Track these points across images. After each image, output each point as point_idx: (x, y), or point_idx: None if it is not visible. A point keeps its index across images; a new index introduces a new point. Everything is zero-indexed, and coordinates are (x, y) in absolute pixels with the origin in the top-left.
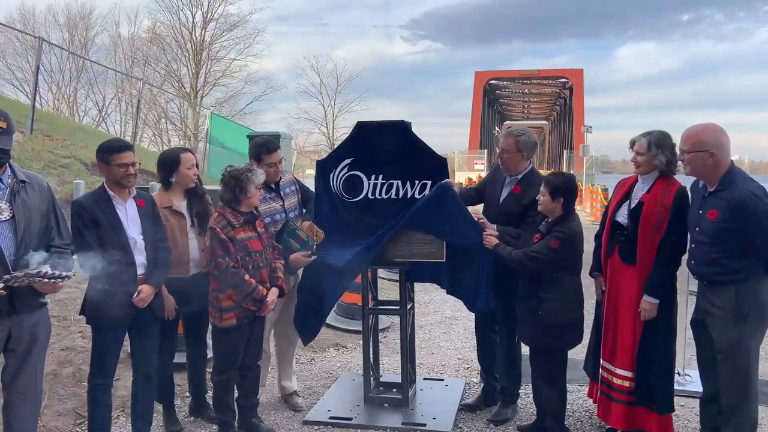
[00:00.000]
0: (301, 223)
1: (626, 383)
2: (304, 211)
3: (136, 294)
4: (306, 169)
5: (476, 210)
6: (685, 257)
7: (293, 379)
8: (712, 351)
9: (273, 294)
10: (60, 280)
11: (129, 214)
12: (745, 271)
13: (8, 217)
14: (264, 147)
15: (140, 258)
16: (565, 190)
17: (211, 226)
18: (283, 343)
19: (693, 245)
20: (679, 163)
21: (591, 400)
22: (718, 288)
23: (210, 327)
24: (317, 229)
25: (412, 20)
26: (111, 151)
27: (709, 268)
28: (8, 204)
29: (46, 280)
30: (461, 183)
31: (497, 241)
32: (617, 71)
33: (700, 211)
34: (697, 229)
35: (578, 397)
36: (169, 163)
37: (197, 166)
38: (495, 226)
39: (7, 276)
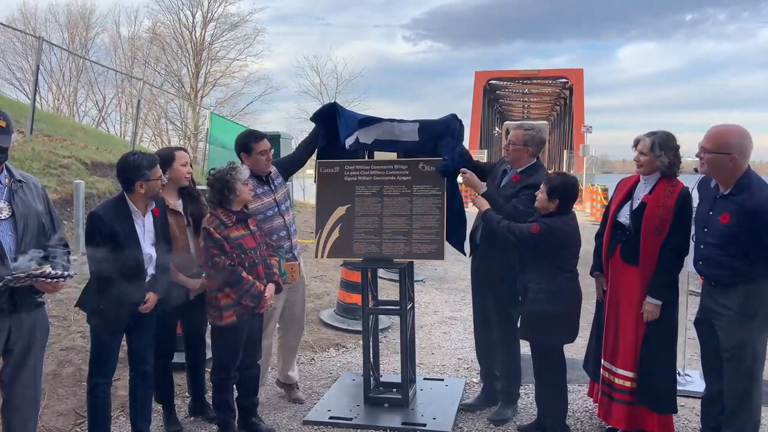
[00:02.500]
0: (286, 262)
1: (627, 383)
2: (291, 205)
3: (143, 303)
4: (306, 169)
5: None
6: (690, 257)
7: (296, 370)
8: (718, 351)
9: (270, 290)
10: (62, 279)
11: (146, 227)
12: (753, 274)
13: (8, 216)
14: (251, 136)
15: (150, 270)
16: (563, 192)
17: (204, 227)
18: (288, 336)
19: (701, 246)
20: (696, 159)
21: (591, 400)
22: (726, 288)
23: (209, 327)
24: (298, 271)
25: (414, 20)
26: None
27: (718, 270)
28: (7, 203)
29: (49, 280)
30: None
31: (488, 206)
32: (618, 71)
33: (711, 212)
34: (706, 229)
35: (578, 397)
36: (163, 160)
37: (191, 165)
38: (484, 184)
39: (8, 276)
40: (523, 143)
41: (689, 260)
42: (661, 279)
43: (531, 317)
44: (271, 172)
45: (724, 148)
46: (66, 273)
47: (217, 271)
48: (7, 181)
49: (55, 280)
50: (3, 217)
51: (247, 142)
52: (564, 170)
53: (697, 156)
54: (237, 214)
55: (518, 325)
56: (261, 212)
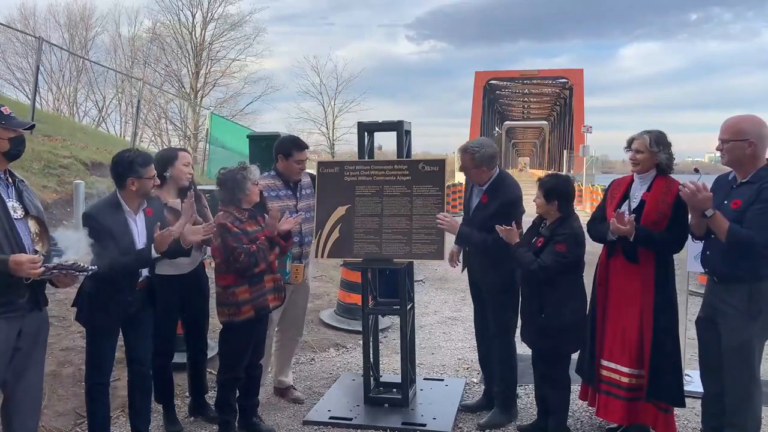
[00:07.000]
0: (292, 263)
1: (633, 380)
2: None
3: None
4: (307, 168)
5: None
6: (689, 257)
7: (290, 375)
8: (718, 350)
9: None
10: (86, 273)
11: (139, 227)
12: (760, 269)
13: (22, 216)
14: (296, 144)
15: (144, 272)
16: (558, 192)
17: (221, 223)
18: (287, 338)
19: (713, 236)
20: (697, 160)
21: (585, 403)
22: (731, 286)
23: (209, 326)
24: (302, 273)
25: (417, 19)
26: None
27: (725, 260)
28: (19, 203)
29: (77, 272)
30: (460, 183)
31: (518, 240)
32: (621, 71)
33: (725, 201)
34: None
35: (578, 396)
36: (165, 159)
37: (192, 166)
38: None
39: (51, 265)
40: (474, 165)
41: (689, 260)
42: (648, 244)
43: (552, 330)
44: (301, 180)
45: (741, 135)
46: (92, 266)
47: (240, 262)
48: (11, 180)
49: (81, 273)
50: (18, 217)
51: (290, 148)
52: (564, 170)
53: (717, 149)
54: (248, 211)
55: (523, 329)
56: None
